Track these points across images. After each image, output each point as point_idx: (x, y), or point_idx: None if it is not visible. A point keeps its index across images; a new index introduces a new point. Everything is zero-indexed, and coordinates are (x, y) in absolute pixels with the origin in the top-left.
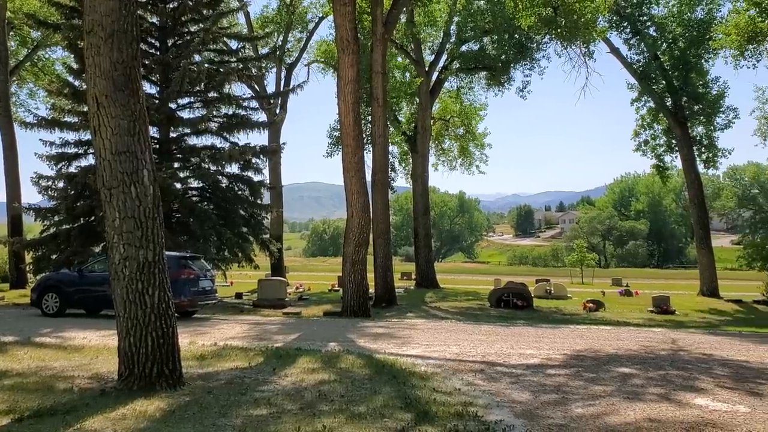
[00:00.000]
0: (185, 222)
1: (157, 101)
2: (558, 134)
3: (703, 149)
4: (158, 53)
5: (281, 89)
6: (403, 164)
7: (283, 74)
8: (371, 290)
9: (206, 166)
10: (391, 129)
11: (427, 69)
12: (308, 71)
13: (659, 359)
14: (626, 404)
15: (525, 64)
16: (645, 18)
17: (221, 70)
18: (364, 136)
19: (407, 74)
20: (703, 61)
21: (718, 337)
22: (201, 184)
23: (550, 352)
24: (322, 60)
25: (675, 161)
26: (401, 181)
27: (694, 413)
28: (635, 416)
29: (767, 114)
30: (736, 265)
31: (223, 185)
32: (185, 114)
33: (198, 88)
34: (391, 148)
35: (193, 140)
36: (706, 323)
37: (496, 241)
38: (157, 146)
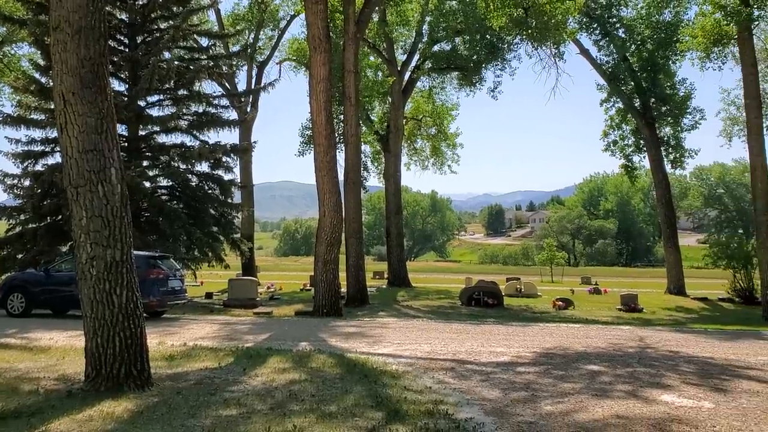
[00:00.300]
0: (154, 221)
1: (125, 99)
2: (529, 134)
3: (670, 150)
4: (127, 50)
5: (252, 87)
6: (376, 163)
7: (254, 72)
8: (343, 289)
9: (176, 164)
10: (364, 128)
11: (399, 68)
12: (280, 69)
13: (627, 357)
14: (594, 401)
15: (496, 65)
16: (614, 20)
17: (191, 67)
18: (336, 135)
19: (380, 73)
20: (670, 62)
21: (684, 334)
22: (170, 183)
23: (520, 349)
24: (294, 58)
25: (643, 161)
26: (374, 181)
27: (661, 410)
28: (603, 413)
29: (732, 115)
30: (702, 263)
31: (193, 184)
32: (154, 112)
33: (168, 85)
34: (363, 147)
35: (162, 138)
36: (672, 321)
37: (468, 240)
38: (126, 144)
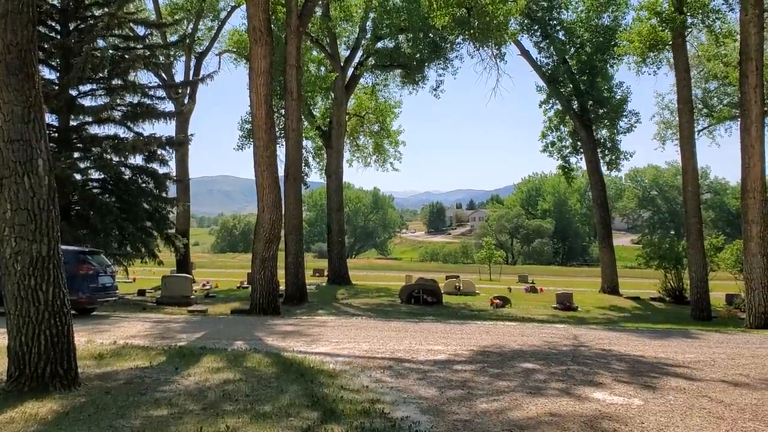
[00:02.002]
0: (85, 215)
1: (56, 87)
2: (470, 134)
3: (606, 152)
4: (59, 37)
5: (190, 78)
6: (318, 159)
7: (192, 63)
8: (282, 287)
9: (108, 156)
10: (306, 123)
11: (342, 64)
12: (219, 61)
13: (561, 355)
14: (529, 399)
15: (439, 64)
16: (555, 22)
17: (126, 56)
18: (277, 129)
19: (322, 69)
20: (608, 66)
21: (616, 333)
22: (102, 176)
23: (457, 348)
24: (234, 50)
25: (580, 163)
26: (315, 177)
27: (593, 407)
28: (537, 411)
29: (666, 119)
30: (636, 263)
31: (126, 177)
32: (87, 102)
33: (101, 74)
34: (305, 142)
35: (94, 129)
36: (606, 319)
37: (409, 237)
38: (56, 134)
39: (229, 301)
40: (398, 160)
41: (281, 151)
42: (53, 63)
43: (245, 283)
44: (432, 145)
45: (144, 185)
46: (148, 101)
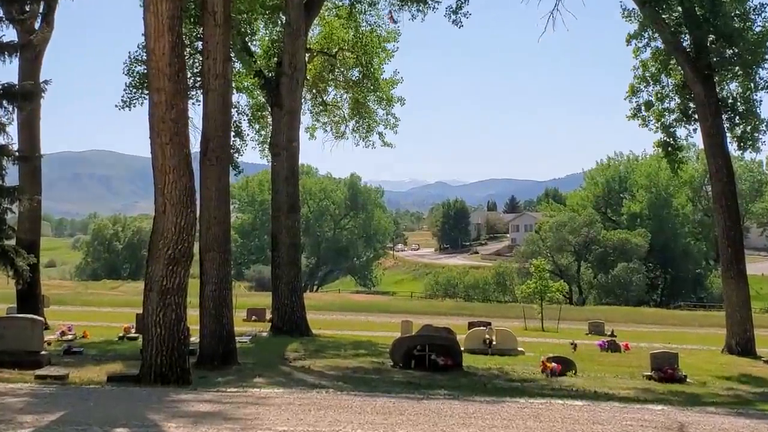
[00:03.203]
0: None
1: None
2: (510, 97)
3: (737, 119)
4: None
5: None
6: (257, 126)
7: None
8: (194, 339)
9: None
10: (238, 66)
11: None
12: None
13: None
14: None
15: None
16: None
17: None
18: (189, 75)
19: None
20: None
21: (752, 421)
22: None
23: None
24: None
25: (693, 137)
26: (253, 155)
27: None
28: None
29: None
30: None
31: None
32: None
33: None
34: (236, 97)
35: None
36: (733, 398)
37: (409, 257)
38: None
39: (105, 361)
40: (392, 128)
41: (196, 113)
42: None
43: (132, 330)
44: (449, 109)
45: None
46: None
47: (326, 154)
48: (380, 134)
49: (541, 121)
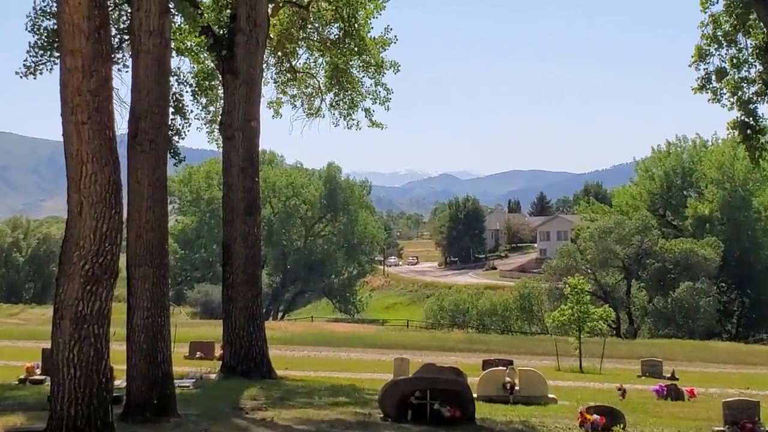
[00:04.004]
0: None
1: None
2: (539, 64)
3: None
4: None
5: None
6: (205, 100)
7: None
8: (120, 382)
9: None
10: (179, 20)
11: None
12: None
13: None
14: None
15: None
16: None
17: None
18: (114, 32)
19: None
20: None
21: None
22: None
23: None
24: None
25: None
26: (197, 138)
27: None
28: None
29: None
30: None
31: None
32: None
33: None
34: (176, 62)
35: None
36: None
37: (405, 274)
38: None
39: (1, 412)
40: (383, 104)
41: (123, 82)
42: None
43: (37, 371)
44: (459, 80)
45: None
46: None
47: (296, 137)
48: (367, 111)
49: (580, 96)
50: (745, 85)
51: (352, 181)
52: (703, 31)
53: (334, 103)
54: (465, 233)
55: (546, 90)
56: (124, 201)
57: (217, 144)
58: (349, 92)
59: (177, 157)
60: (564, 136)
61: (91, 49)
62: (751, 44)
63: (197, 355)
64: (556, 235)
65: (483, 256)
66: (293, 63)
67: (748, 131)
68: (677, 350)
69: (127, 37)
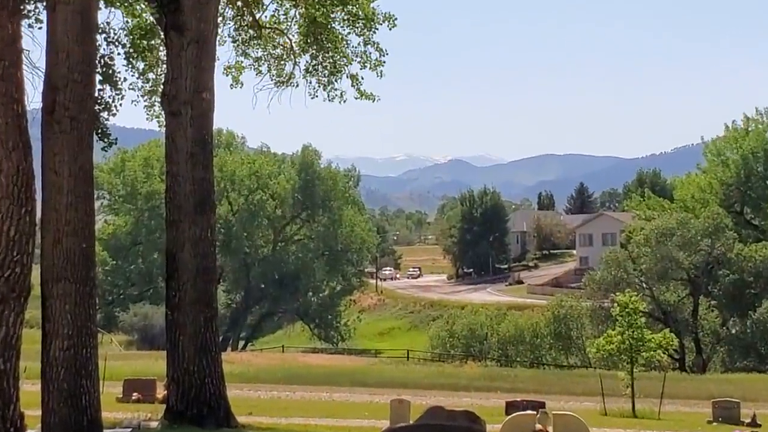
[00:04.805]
0: None
1: None
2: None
3: None
4: None
5: None
6: (142, 65)
7: None
8: None
9: None
10: None
11: None
12: None
13: None
14: None
15: None
16: None
17: None
18: None
19: None
20: None
21: None
22: None
23: None
24: None
25: None
26: (133, 116)
27: None
28: None
29: None
30: None
31: None
32: None
33: None
34: (104, 15)
35: None
36: None
37: (404, 291)
38: None
39: None
40: (375, 69)
41: (35, 42)
42: None
43: None
44: (472, 39)
45: None
46: None
47: (261, 112)
48: (354, 78)
49: (631, 62)
50: None
51: (335, 169)
52: None
53: (310, 68)
54: (482, 237)
55: (588, 54)
56: (38, 196)
57: (158, 122)
58: (331, 54)
59: (106, 140)
60: (610, 111)
61: None
62: None
63: (134, 397)
64: (600, 238)
65: (506, 266)
66: (257, 16)
67: None
68: (759, 388)
69: None
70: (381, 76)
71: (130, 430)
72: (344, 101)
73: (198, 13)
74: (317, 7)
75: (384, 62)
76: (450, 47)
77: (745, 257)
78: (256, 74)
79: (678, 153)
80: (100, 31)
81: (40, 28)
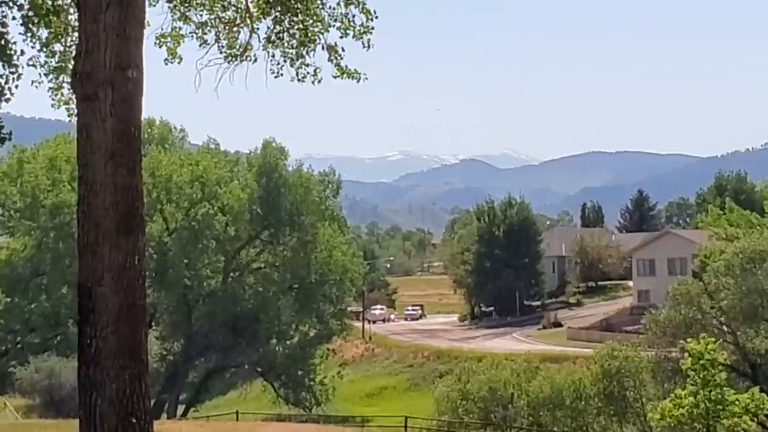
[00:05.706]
0: None
1: None
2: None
3: None
4: None
5: None
6: (45, 34)
7: None
8: None
9: None
10: None
11: None
12: None
13: None
14: None
15: None
16: None
17: None
18: None
19: None
20: None
21: None
22: None
23: None
24: None
25: None
26: (34, 102)
27: None
28: None
29: None
30: None
31: None
32: None
33: None
34: None
35: None
36: None
37: (400, 335)
38: None
39: None
40: (359, 37)
41: None
42: None
43: None
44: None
45: None
46: None
47: (207, 96)
48: (332, 50)
49: (706, 38)
50: None
51: (307, 173)
52: None
53: (273, 37)
54: (506, 264)
55: (645, 30)
56: None
57: (67, 110)
58: (300, 17)
59: (2, 137)
60: (677, 98)
61: None
62: None
63: None
64: (666, 265)
65: (538, 302)
66: None
67: None
68: None
69: None
70: (368, 47)
71: None
72: (319, 81)
73: None
74: None
75: (372, 28)
76: (464, 13)
77: None
78: (200, 45)
79: (767, 150)
80: None
81: None
